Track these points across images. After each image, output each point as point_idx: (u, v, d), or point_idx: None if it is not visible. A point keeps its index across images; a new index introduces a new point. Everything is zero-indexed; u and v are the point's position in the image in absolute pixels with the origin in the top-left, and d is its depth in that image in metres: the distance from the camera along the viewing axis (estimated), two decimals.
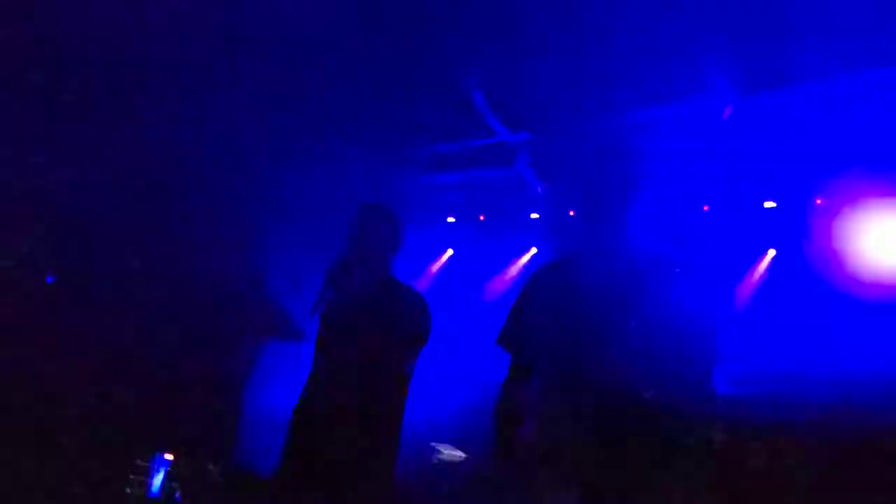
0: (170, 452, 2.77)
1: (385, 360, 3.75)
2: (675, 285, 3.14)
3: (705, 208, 6.39)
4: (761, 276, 6.37)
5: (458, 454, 6.10)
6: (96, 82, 5.42)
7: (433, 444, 6.37)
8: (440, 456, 6.26)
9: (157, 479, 2.84)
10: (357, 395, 3.69)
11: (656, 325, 3.04)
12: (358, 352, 3.76)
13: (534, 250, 7.14)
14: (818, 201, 5.93)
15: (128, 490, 2.94)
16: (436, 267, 7.49)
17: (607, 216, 3.18)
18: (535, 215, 6.87)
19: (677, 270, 3.23)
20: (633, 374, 3.00)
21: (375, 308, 3.81)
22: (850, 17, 4.23)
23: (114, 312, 5.77)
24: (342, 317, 3.89)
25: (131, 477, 2.90)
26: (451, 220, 7.31)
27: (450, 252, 7.54)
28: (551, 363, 3.23)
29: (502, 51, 4.96)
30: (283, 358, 6.43)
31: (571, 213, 6.65)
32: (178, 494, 2.82)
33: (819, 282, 5.69)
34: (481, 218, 7.27)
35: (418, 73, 5.23)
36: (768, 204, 6.16)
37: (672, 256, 3.34)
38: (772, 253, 6.37)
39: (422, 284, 7.04)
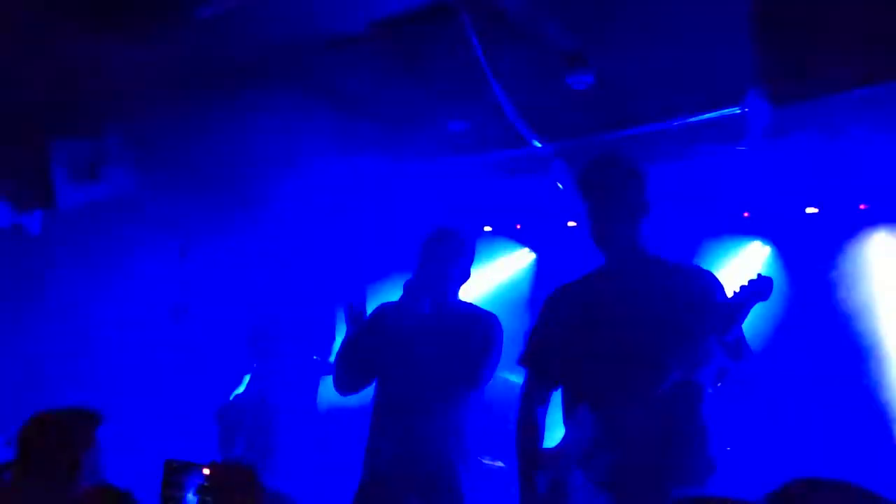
0: (206, 467, 2.81)
1: (453, 388, 3.70)
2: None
3: (745, 215, 6.29)
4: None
5: (497, 463, 6.07)
6: None
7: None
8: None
9: (191, 494, 2.89)
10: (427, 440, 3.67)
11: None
12: (427, 383, 3.68)
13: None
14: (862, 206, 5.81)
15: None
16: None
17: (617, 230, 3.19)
18: (572, 223, 6.82)
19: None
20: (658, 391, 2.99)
21: (448, 332, 3.75)
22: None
23: None
24: (406, 343, 3.79)
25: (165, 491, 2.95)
26: (487, 228, 7.29)
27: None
28: (574, 380, 3.26)
29: (534, 60, 4.93)
30: None
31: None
32: None
33: None
34: (517, 227, 7.26)
35: (450, 84, 5.23)
36: (810, 210, 6.03)
37: (686, 268, 3.32)
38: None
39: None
